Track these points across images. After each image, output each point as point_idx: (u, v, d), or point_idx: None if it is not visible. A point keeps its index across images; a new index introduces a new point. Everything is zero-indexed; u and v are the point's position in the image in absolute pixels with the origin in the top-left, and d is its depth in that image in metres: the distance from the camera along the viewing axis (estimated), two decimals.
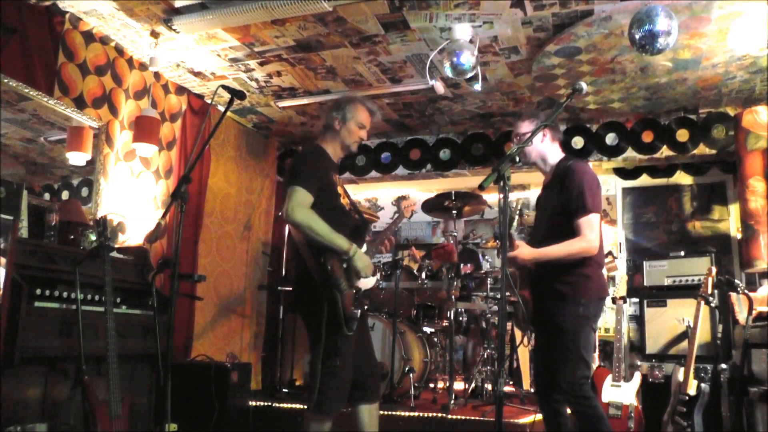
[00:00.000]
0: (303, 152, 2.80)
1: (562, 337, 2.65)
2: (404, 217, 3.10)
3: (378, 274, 2.94)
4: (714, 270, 3.83)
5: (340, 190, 2.77)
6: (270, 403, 4.18)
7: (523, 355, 5.01)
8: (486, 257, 5.38)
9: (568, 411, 2.76)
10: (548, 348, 2.77)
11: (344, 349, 2.59)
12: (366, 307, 2.81)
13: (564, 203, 2.69)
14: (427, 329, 4.75)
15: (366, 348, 2.85)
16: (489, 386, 4.29)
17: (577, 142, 5.17)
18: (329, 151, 2.82)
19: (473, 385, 4.48)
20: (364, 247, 2.77)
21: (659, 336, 4.17)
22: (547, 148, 2.87)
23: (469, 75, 3.79)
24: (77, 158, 3.82)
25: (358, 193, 7.05)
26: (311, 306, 2.63)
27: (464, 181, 5.86)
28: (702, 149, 4.88)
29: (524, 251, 2.63)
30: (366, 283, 2.73)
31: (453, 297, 4.28)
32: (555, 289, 2.69)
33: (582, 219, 2.63)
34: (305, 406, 4.03)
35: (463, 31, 3.72)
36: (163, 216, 2.99)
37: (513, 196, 6.65)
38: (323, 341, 2.56)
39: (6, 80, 3.28)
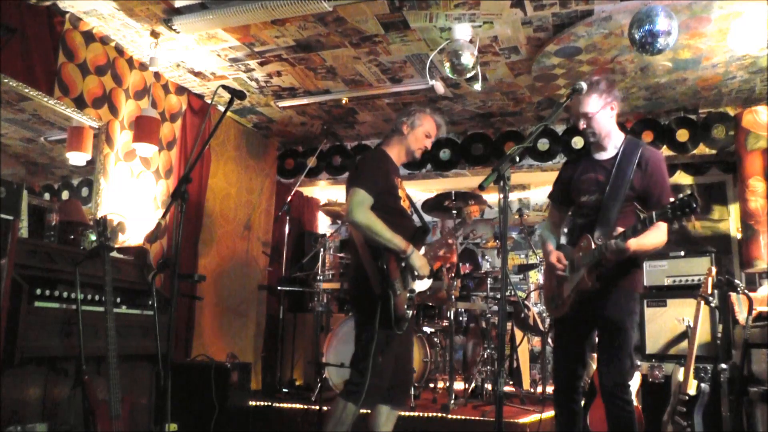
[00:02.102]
0: (367, 155, 2.88)
1: (616, 334, 2.52)
2: (468, 222, 3.09)
3: (432, 278, 2.92)
4: (714, 270, 3.83)
5: (401, 193, 2.81)
6: (270, 403, 4.18)
7: (523, 355, 5.01)
8: (486, 257, 5.38)
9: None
10: (580, 344, 2.67)
11: (389, 348, 2.64)
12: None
13: (644, 189, 2.56)
14: (427, 329, 4.74)
15: (407, 354, 2.88)
16: (489, 386, 4.28)
17: (577, 142, 5.17)
18: (393, 155, 2.89)
19: (473, 385, 4.48)
20: (423, 249, 2.81)
21: (659, 336, 4.16)
22: (613, 124, 2.68)
23: (469, 75, 3.79)
24: (77, 158, 3.82)
25: None
26: (365, 303, 2.68)
27: (464, 181, 5.86)
28: (702, 149, 4.88)
29: (632, 243, 2.39)
30: (421, 284, 2.76)
31: (453, 297, 4.28)
32: (615, 282, 2.54)
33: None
34: (307, 406, 4.03)
35: (463, 31, 3.72)
36: (163, 216, 2.99)
37: (513, 196, 6.66)
38: (374, 336, 2.59)
39: (6, 80, 3.28)
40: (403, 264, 2.65)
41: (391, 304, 2.58)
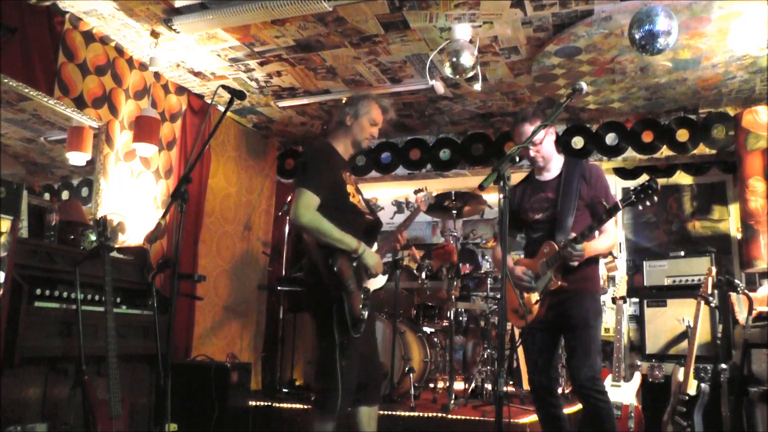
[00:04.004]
0: (310, 151, 2.75)
1: (585, 332, 2.70)
2: (421, 210, 3.10)
3: (386, 274, 2.90)
4: (714, 270, 3.83)
5: (350, 188, 2.70)
6: (270, 403, 4.18)
7: (523, 355, 5.01)
8: (485, 257, 5.38)
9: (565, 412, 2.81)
10: (553, 347, 2.82)
11: (351, 351, 2.56)
12: (372, 308, 2.77)
13: (591, 197, 2.80)
14: (427, 329, 4.75)
15: (371, 350, 2.82)
16: (489, 386, 4.28)
17: (577, 142, 5.17)
18: (340, 149, 2.78)
19: (473, 385, 4.48)
20: (375, 246, 2.76)
21: (659, 336, 4.17)
22: (553, 148, 2.93)
23: (469, 75, 3.79)
24: (77, 158, 3.82)
25: None
26: (320, 307, 2.61)
27: (464, 181, 5.86)
28: (702, 149, 4.88)
29: (588, 248, 2.69)
30: (375, 282, 2.73)
31: (453, 297, 4.28)
32: (578, 285, 2.75)
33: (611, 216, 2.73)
34: (307, 406, 4.03)
35: (463, 31, 3.72)
36: (163, 216, 2.98)
37: None
38: (334, 342, 2.53)
39: (6, 80, 3.28)
40: (354, 264, 2.58)
41: (345, 306, 2.51)
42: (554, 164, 2.93)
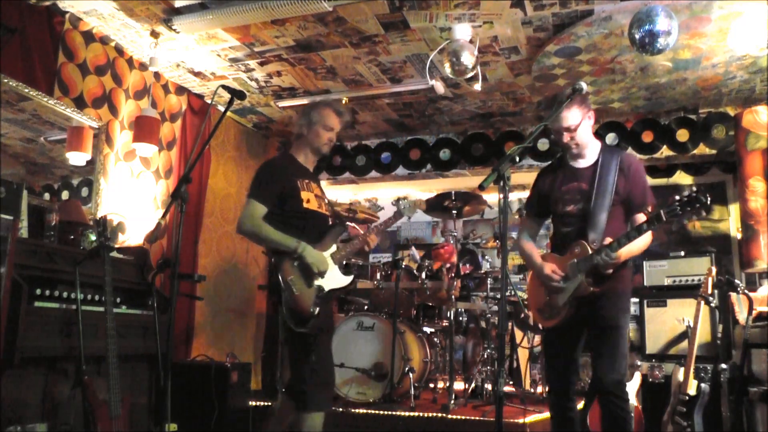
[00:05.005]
0: (264, 163, 2.92)
1: (614, 333, 2.55)
2: (398, 218, 3.12)
3: (353, 273, 2.94)
4: (714, 270, 3.83)
5: (305, 194, 2.79)
6: (270, 403, 4.18)
7: (523, 355, 5.01)
8: (486, 257, 5.38)
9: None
10: (575, 348, 2.69)
11: (315, 346, 2.67)
12: (318, 307, 2.80)
13: (627, 193, 2.61)
14: (427, 329, 4.74)
15: (325, 352, 2.85)
16: (489, 386, 4.28)
17: None
18: (300, 158, 2.90)
19: (473, 385, 4.48)
20: (334, 247, 2.82)
21: (659, 336, 4.17)
22: (591, 134, 2.72)
23: (469, 75, 3.79)
24: (77, 158, 3.82)
25: (358, 193, 7.05)
26: (274, 305, 2.79)
27: (464, 181, 5.86)
28: (702, 149, 4.88)
29: (623, 253, 2.50)
30: (333, 281, 2.78)
31: (453, 297, 4.28)
32: (608, 285, 2.58)
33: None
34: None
35: (463, 31, 3.72)
36: (163, 216, 3.01)
37: (513, 196, 6.66)
38: (286, 338, 2.70)
39: (6, 80, 3.28)
40: (296, 263, 2.67)
41: (288, 304, 2.63)
42: (590, 150, 2.70)
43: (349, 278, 2.86)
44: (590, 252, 2.53)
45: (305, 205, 2.77)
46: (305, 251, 2.67)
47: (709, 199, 2.30)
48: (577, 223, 2.63)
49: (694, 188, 2.34)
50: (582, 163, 2.71)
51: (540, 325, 2.89)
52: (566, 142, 2.65)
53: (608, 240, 2.50)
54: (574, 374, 2.71)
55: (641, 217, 2.57)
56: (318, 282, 2.72)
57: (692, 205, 2.30)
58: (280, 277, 2.64)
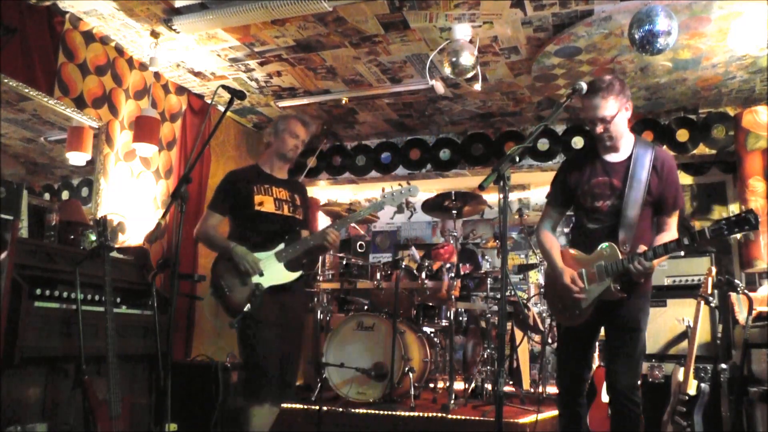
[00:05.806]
0: (225, 174, 3.17)
1: (633, 334, 2.48)
2: (374, 216, 3.15)
3: (301, 269, 3.00)
4: (714, 270, 3.82)
5: (259, 198, 2.94)
6: None
7: (523, 355, 5.01)
8: (486, 257, 5.38)
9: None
10: (590, 347, 2.63)
11: (254, 339, 2.78)
12: (281, 306, 2.90)
13: (659, 193, 2.49)
14: (427, 329, 4.74)
15: (288, 350, 2.92)
16: (489, 386, 4.28)
17: (577, 142, 5.17)
18: (265, 166, 3.09)
19: (473, 385, 4.48)
20: (280, 246, 2.92)
21: (659, 336, 4.16)
22: (626, 126, 2.57)
23: (469, 75, 3.79)
24: (77, 158, 3.82)
25: (358, 193, 7.05)
26: None
27: (464, 181, 5.86)
28: (702, 149, 4.88)
29: (655, 261, 2.38)
30: (273, 278, 2.86)
31: (453, 297, 4.28)
32: (633, 285, 2.47)
33: (675, 216, 2.53)
34: (307, 406, 4.03)
35: (463, 31, 3.72)
36: (163, 216, 3.03)
37: (513, 196, 6.66)
38: (239, 337, 2.84)
39: (6, 80, 3.28)
40: (228, 263, 2.87)
41: (220, 300, 2.87)
42: (624, 143, 2.55)
43: (295, 274, 2.93)
44: (620, 257, 2.42)
45: (257, 207, 2.93)
46: (233, 251, 2.84)
47: (757, 221, 2.17)
48: (607, 221, 2.51)
49: (744, 208, 2.26)
50: (615, 158, 2.56)
51: (559, 322, 2.80)
52: (600, 133, 2.50)
53: (642, 248, 2.37)
54: (587, 372, 2.65)
55: (671, 221, 2.51)
56: (257, 279, 2.83)
57: (741, 226, 2.18)
58: (212, 277, 2.89)
